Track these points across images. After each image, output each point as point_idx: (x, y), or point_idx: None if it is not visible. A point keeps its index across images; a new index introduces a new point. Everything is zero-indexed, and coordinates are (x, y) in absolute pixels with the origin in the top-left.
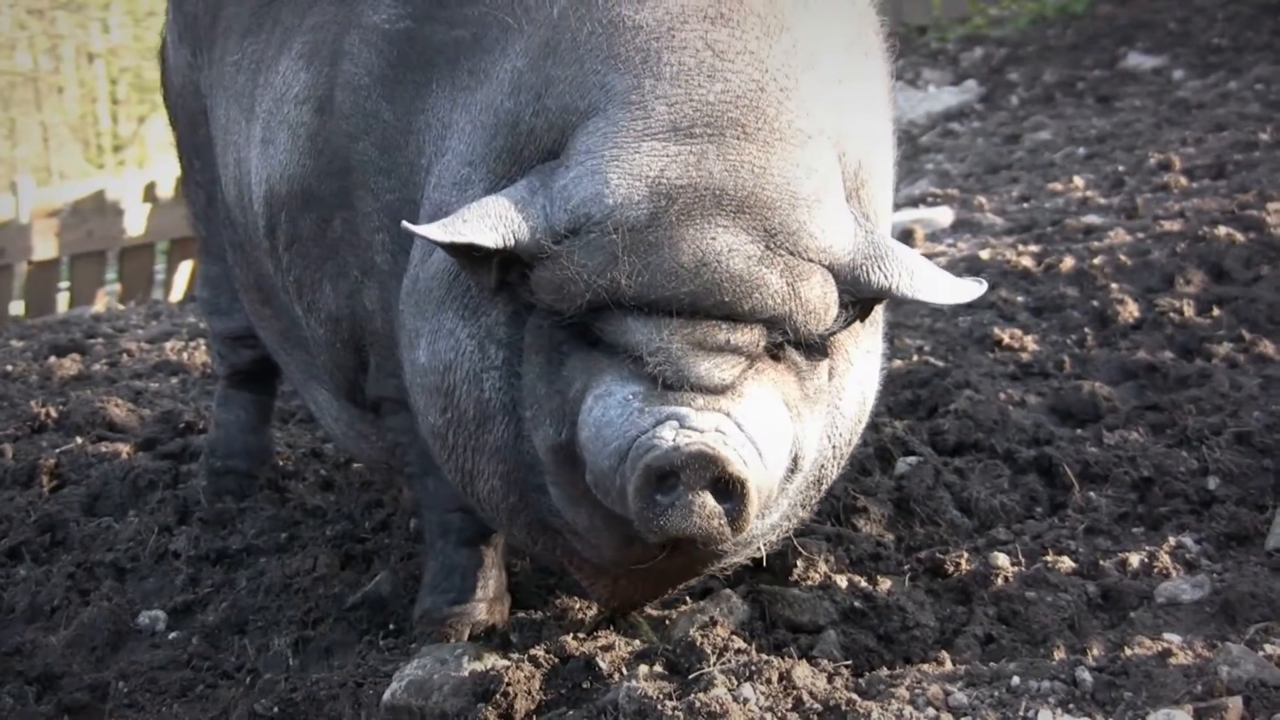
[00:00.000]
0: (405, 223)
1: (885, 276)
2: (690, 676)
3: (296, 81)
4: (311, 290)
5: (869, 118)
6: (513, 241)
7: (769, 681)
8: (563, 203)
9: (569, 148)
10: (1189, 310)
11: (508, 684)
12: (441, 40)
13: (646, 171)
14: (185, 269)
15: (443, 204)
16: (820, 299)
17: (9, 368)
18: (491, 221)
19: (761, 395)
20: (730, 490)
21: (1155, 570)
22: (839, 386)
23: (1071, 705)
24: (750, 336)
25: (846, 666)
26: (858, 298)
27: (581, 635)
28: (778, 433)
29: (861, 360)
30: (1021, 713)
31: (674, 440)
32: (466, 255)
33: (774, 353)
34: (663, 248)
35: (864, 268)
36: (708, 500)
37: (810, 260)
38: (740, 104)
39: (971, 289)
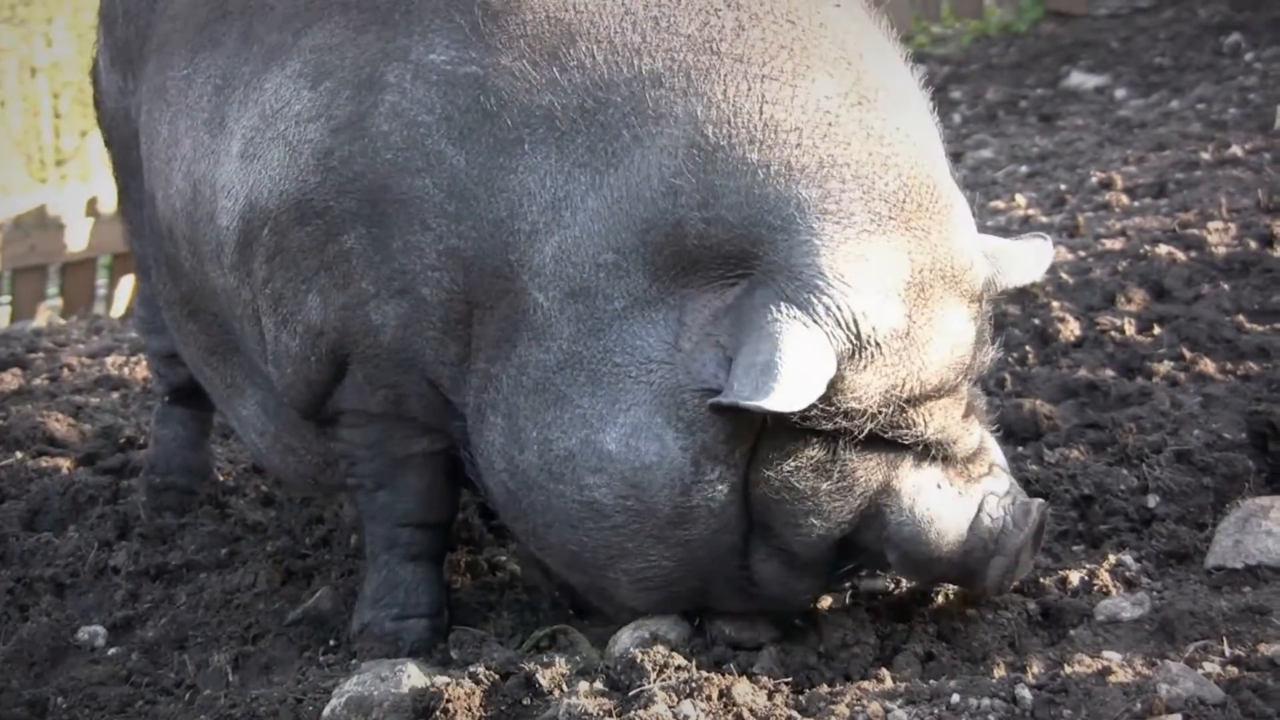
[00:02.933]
0: (740, 401)
1: (1006, 277)
2: (630, 693)
3: (297, 100)
4: (293, 301)
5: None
6: (824, 387)
7: (709, 698)
8: (834, 327)
9: (786, 266)
10: (1130, 329)
11: (448, 700)
12: (530, 102)
13: (884, 275)
14: (127, 284)
15: (587, 282)
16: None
17: None
18: (817, 372)
19: (989, 436)
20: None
21: (1095, 588)
22: None
23: None
24: (969, 389)
25: (786, 683)
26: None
27: (522, 652)
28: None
29: None
30: None
31: (1010, 515)
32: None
33: None
34: (931, 343)
35: (995, 280)
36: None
37: (985, 302)
38: (913, 184)
39: (1043, 251)
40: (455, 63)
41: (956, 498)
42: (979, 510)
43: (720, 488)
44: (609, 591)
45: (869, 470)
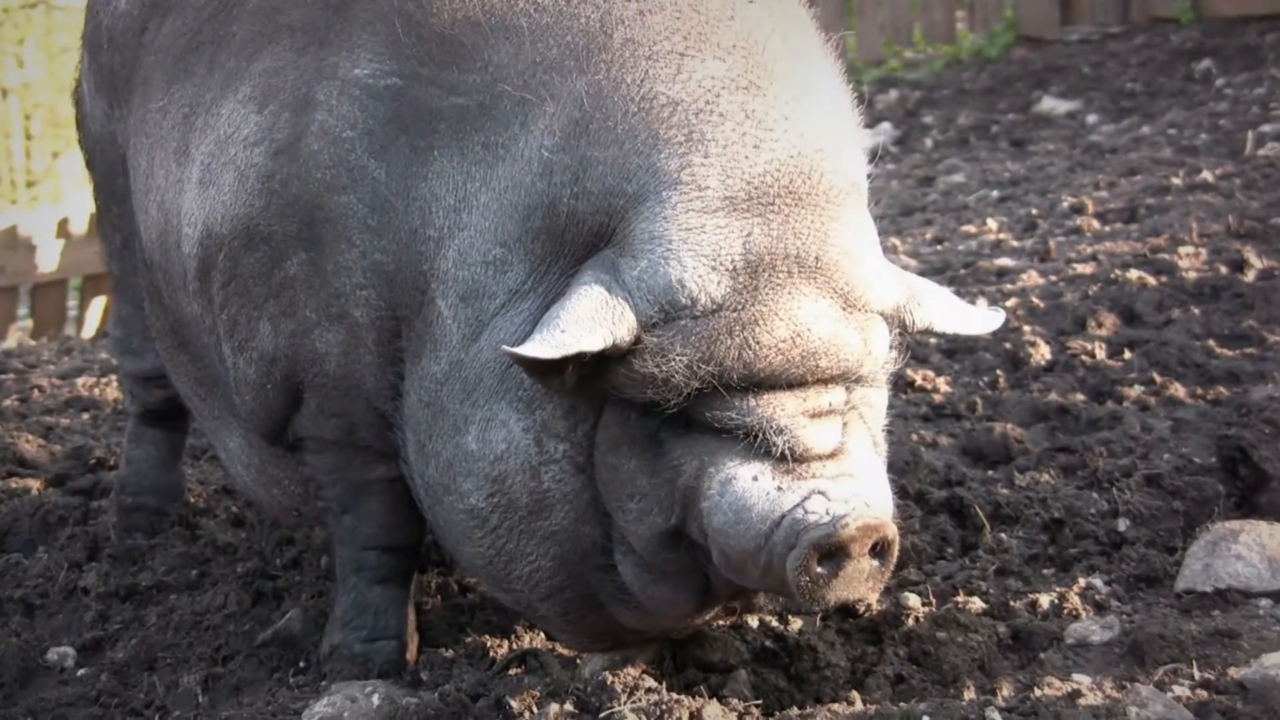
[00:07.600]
0: (505, 347)
1: (927, 315)
2: (600, 715)
3: (246, 124)
4: (246, 329)
5: (862, 164)
6: (612, 342)
7: None
8: (645, 293)
9: (626, 234)
10: (1100, 353)
11: None
12: (439, 106)
13: (721, 249)
14: (98, 305)
15: (477, 283)
16: (884, 347)
17: None
18: (590, 326)
19: (862, 450)
20: (882, 550)
21: (1065, 611)
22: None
23: None
24: (841, 395)
25: (757, 706)
26: (902, 338)
27: (492, 673)
28: (885, 484)
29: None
30: None
31: (830, 514)
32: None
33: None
34: (759, 323)
35: (908, 309)
36: (867, 565)
37: (873, 312)
38: (786, 171)
39: (993, 318)
40: (377, 76)
41: (775, 491)
42: (797, 504)
43: (566, 467)
44: (526, 605)
45: (687, 454)
